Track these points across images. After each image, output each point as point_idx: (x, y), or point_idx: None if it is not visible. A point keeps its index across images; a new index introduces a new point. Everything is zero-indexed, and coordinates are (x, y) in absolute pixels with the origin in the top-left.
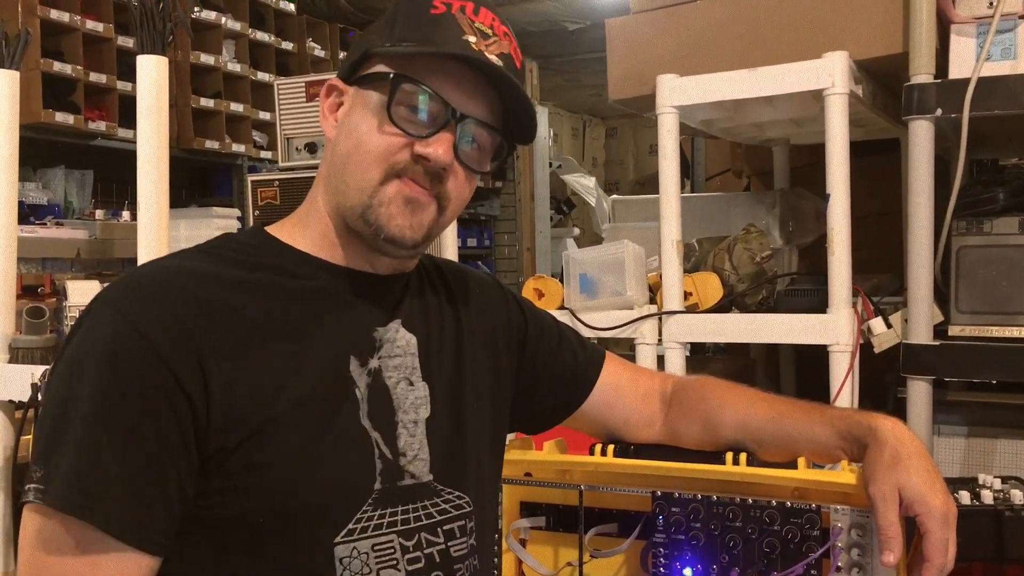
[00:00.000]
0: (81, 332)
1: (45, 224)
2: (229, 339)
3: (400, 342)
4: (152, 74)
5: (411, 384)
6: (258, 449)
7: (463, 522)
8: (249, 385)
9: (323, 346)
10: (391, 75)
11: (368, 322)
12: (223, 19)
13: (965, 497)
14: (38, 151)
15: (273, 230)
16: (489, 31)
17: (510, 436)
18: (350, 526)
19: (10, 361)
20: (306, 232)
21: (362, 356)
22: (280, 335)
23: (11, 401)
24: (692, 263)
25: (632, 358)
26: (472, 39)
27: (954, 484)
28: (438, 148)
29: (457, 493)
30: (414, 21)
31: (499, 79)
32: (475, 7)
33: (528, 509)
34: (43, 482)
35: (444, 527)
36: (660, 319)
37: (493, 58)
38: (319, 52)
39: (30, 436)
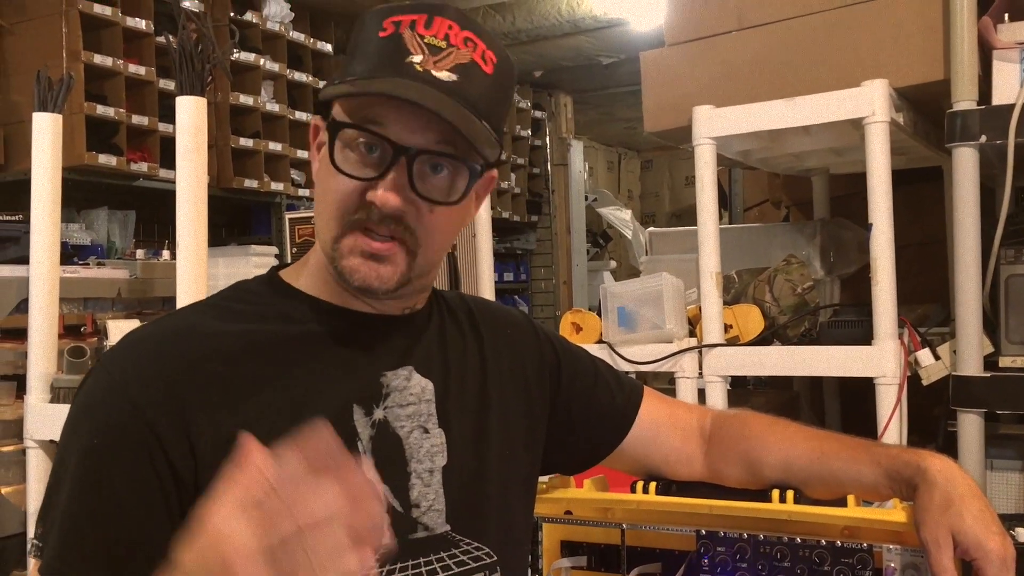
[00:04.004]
0: (80, 393)
1: (87, 264)
2: (223, 399)
3: (414, 389)
4: (191, 115)
5: (426, 432)
6: None
7: (483, 574)
8: None
9: (327, 396)
10: (330, 121)
11: (376, 368)
12: (261, 60)
13: (1022, 535)
14: (82, 192)
15: (285, 274)
16: (443, 43)
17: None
18: None
19: (52, 400)
20: (313, 275)
21: (367, 405)
22: (280, 389)
23: (52, 441)
24: (732, 295)
25: (672, 392)
26: (417, 59)
27: (1010, 521)
28: (385, 193)
29: (476, 544)
30: (363, 50)
31: (440, 104)
32: (428, 19)
33: (569, 548)
34: (41, 540)
35: None
36: (700, 352)
37: (443, 75)
38: None
39: None
